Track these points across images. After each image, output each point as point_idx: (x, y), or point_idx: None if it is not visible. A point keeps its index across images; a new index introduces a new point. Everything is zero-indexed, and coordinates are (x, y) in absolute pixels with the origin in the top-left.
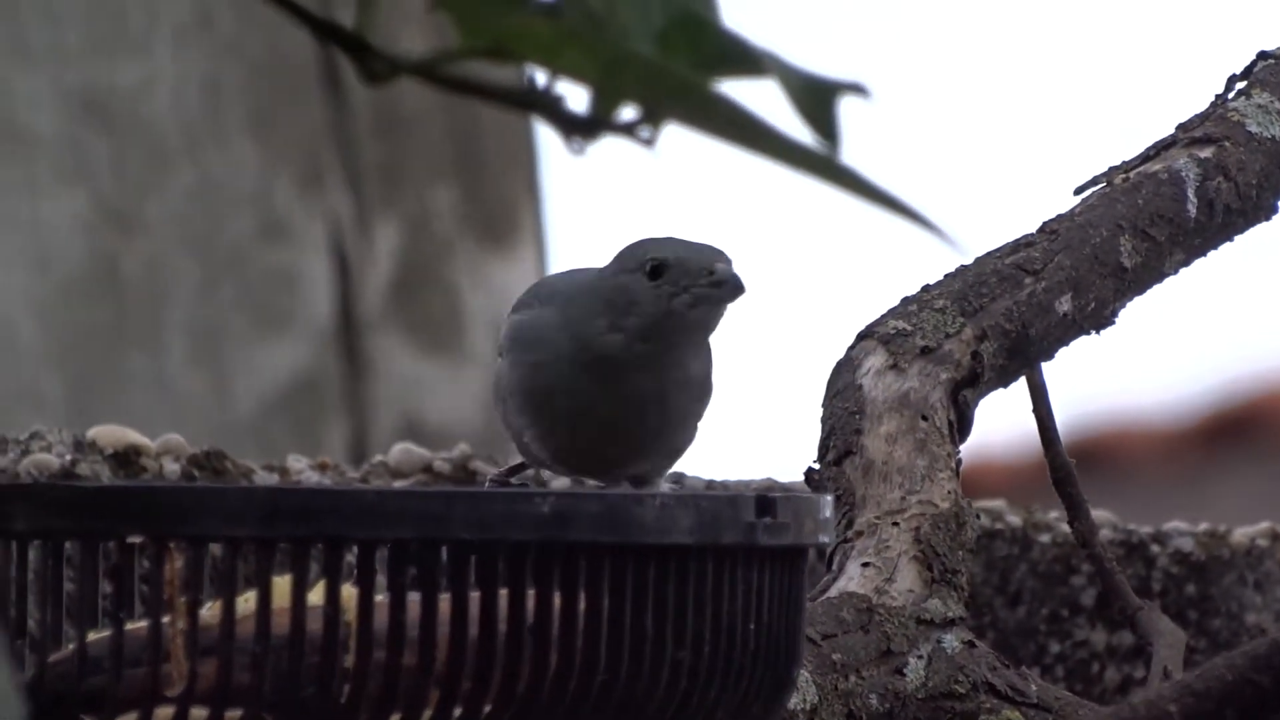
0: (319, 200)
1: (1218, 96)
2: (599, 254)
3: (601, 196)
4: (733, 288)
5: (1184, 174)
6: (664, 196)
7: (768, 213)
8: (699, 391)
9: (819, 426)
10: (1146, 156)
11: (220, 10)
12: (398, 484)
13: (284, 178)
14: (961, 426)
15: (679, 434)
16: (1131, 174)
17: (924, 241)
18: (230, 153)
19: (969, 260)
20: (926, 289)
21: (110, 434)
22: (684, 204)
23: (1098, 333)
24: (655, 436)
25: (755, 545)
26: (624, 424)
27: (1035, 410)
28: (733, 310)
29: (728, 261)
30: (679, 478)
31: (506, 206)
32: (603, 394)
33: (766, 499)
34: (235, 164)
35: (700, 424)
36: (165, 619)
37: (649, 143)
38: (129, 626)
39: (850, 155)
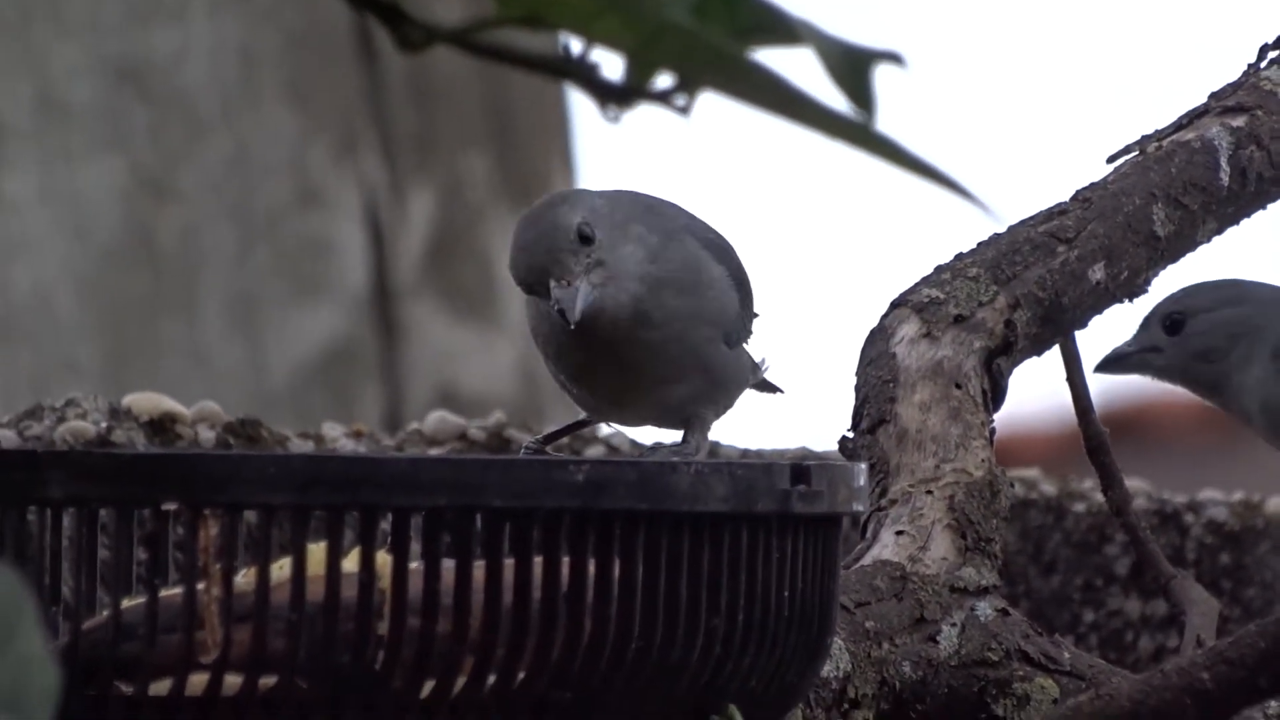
0: (353, 168)
1: (1250, 65)
2: None
3: (635, 164)
4: (561, 315)
5: (1217, 142)
6: (698, 165)
7: (803, 181)
8: (708, 317)
9: (853, 395)
10: (1179, 125)
11: None
12: (433, 452)
13: (319, 145)
14: (995, 395)
15: (699, 361)
16: (1164, 142)
17: (958, 209)
18: (265, 121)
19: (1002, 228)
20: (960, 257)
21: (146, 401)
22: (718, 172)
23: (1130, 301)
24: (660, 379)
25: (789, 513)
26: (619, 377)
27: (1069, 379)
28: (753, 270)
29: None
30: (714, 447)
31: (540, 174)
32: (586, 356)
33: (801, 467)
34: (271, 132)
35: (742, 332)
36: (200, 586)
37: (684, 111)
38: (163, 593)
39: (885, 123)
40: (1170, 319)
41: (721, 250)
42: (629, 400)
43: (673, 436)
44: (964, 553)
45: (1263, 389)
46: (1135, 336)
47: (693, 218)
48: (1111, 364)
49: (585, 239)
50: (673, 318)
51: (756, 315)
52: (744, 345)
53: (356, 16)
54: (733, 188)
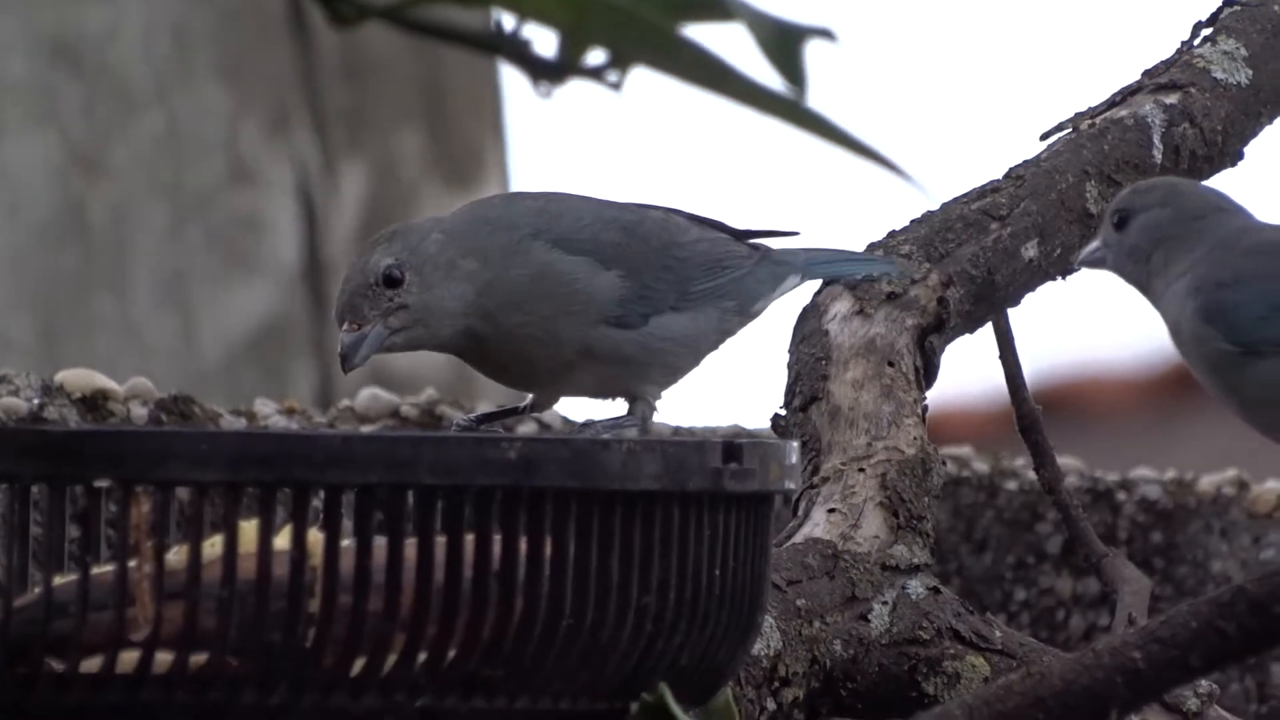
0: (286, 145)
1: (1184, 43)
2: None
3: (568, 141)
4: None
5: (1150, 120)
6: (631, 141)
7: (734, 156)
8: (573, 309)
9: (785, 372)
10: (1112, 102)
11: None
12: (365, 429)
13: (251, 122)
14: (928, 372)
15: (585, 350)
16: (1097, 120)
17: (891, 186)
18: (198, 98)
19: (935, 205)
20: (892, 234)
21: (78, 378)
22: (651, 148)
23: (1064, 278)
24: (554, 374)
25: (721, 491)
26: (525, 376)
27: (1001, 357)
28: None
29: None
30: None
31: (472, 151)
32: (485, 365)
33: (733, 445)
34: (203, 109)
35: (644, 303)
36: (132, 563)
37: (616, 86)
38: (95, 571)
39: (817, 99)
40: (1118, 215)
41: (581, 241)
42: (549, 390)
43: (617, 411)
44: (896, 531)
45: (1174, 311)
46: (1099, 233)
47: (555, 216)
48: (1081, 263)
49: (391, 282)
50: (522, 327)
51: (692, 272)
52: (682, 308)
53: None
54: (665, 163)
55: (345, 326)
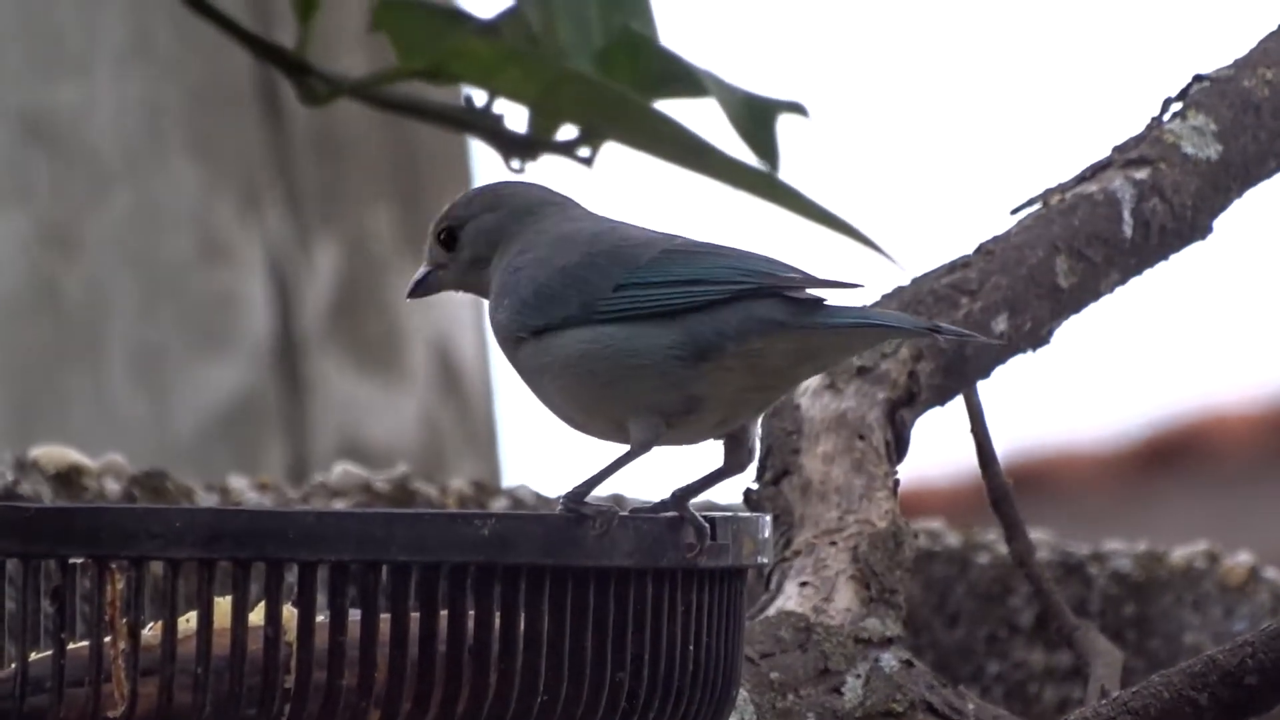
0: (258, 221)
1: (1153, 118)
2: None
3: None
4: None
5: (1120, 195)
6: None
7: (708, 231)
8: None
9: (757, 446)
10: (1083, 178)
11: (159, 32)
12: (337, 504)
13: (223, 199)
14: (899, 446)
15: (578, 403)
16: (1068, 195)
17: (863, 260)
18: (170, 174)
19: (907, 280)
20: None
21: (52, 454)
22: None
23: (1034, 351)
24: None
25: (695, 567)
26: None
27: (973, 430)
28: None
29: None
30: (617, 498)
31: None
32: None
33: (706, 520)
34: (175, 185)
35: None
36: (107, 639)
37: (588, 162)
38: (70, 647)
39: (789, 173)
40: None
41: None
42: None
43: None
44: (868, 604)
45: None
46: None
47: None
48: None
49: (446, 238)
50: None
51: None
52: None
53: (261, 70)
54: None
55: (423, 268)
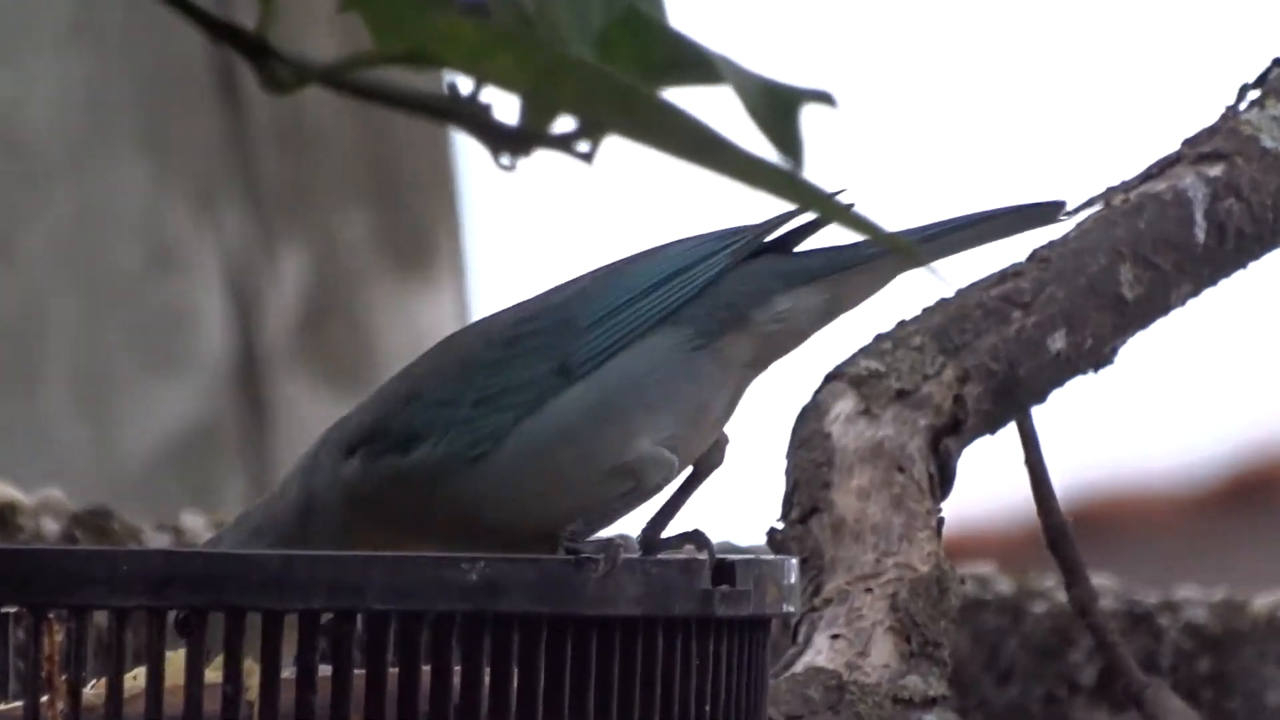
0: (215, 225)
1: (1228, 108)
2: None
3: (533, 219)
4: None
5: (1191, 194)
6: (604, 219)
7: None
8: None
9: (783, 480)
10: (1149, 175)
11: (105, 12)
12: None
13: (176, 199)
14: (943, 480)
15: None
16: (1132, 194)
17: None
18: (116, 172)
19: (950, 291)
20: (902, 324)
21: None
22: (627, 227)
23: (1095, 371)
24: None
25: (711, 616)
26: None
27: (1027, 461)
28: None
29: None
30: (623, 536)
31: (425, 231)
32: None
33: (723, 564)
34: (121, 185)
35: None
36: (43, 699)
37: (588, 157)
38: (2, 708)
39: (814, 170)
40: None
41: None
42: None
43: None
44: (908, 659)
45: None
46: None
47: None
48: None
49: None
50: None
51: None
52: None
53: (218, 53)
54: (644, 243)
55: None
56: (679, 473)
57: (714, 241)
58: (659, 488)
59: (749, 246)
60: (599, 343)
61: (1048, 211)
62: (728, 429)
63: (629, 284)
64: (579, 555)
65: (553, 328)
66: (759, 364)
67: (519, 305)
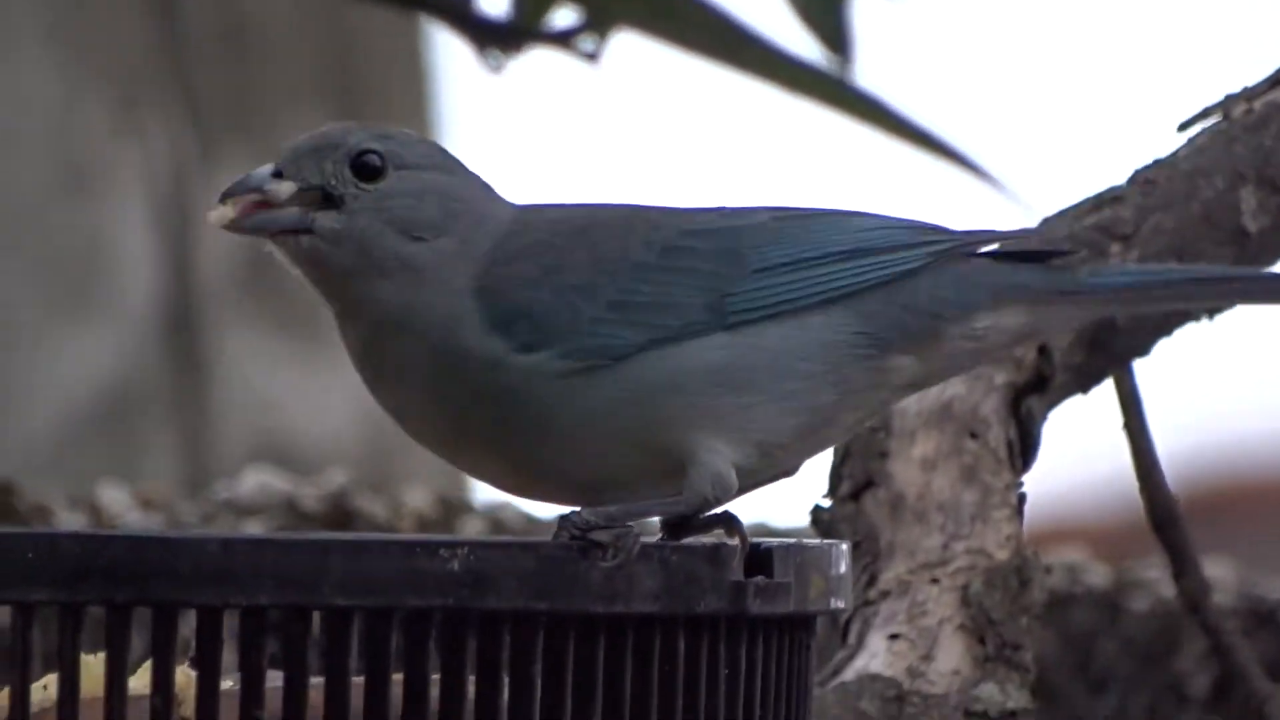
0: (139, 138)
1: None
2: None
3: (525, 130)
4: None
5: None
6: (611, 130)
7: (755, 152)
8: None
9: (830, 449)
10: (1276, 81)
11: None
12: (250, 527)
13: (93, 107)
14: (1025, 448)
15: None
16: (1256, 104)
17: (966, 190)
18: (21, 75)
19: (1033, 219)
20: None
21: None
22: (639, 140)
23: (1210, 320)
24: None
25: (743, 614)
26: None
27: (1126, 427)
28: None
29: None
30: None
31: None
32: None
33: (758, 550)
34: (28, 89)
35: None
36: None
37: (593, 57)
38: None
39: (868, 74)
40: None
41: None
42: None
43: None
44: (983, 664)
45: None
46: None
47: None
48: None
49: (364, 169)
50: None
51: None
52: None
53: None
54: (658, 160)
55: (272, 171)
56: (739, 495)
57: (909, 231)
58: (704, 509)
59: (951, 251)
60: (763, 295)
61: None
62: None
63: (813, 241)
64: (585, 540)
65: (718, 254)
66: (911, 389)
67: (687, 212)
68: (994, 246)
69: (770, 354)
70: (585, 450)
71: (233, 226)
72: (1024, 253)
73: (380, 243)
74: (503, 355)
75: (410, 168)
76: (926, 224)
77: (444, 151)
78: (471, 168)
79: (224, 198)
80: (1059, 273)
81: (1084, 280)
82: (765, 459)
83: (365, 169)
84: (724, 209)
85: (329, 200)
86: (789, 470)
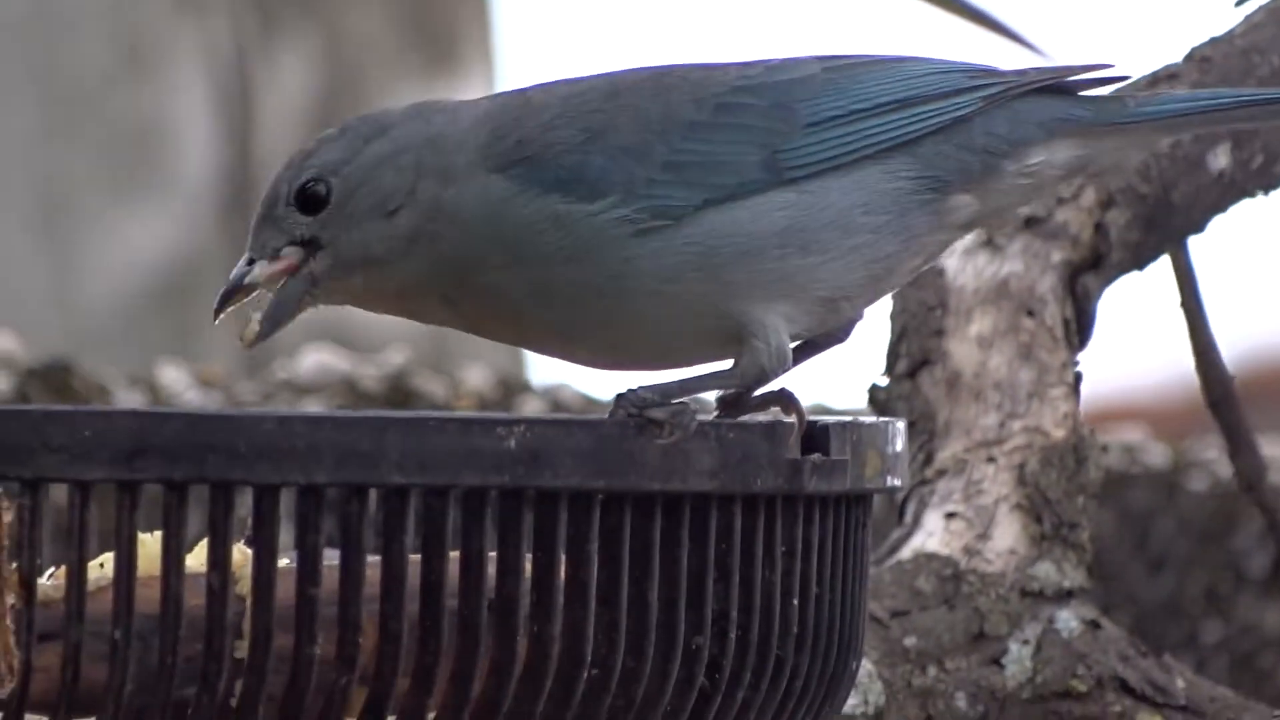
0: (199, 17)
1: None
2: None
3: (575, 13)
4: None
5: None
6: (660, 9)
7: (806, 26)
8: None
9: (886, 326)
10: None
11: None
12: (309, 406)
13: None
14: (1081, 326)
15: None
16: None
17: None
18: None
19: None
20: None
21: None
22: (686, 20)
23: (1265, 195)
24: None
25: (800, 492)
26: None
27: (1183, 304)
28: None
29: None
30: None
31: (451, 20)
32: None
33: (815, 428)
34: None
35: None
36: None
37: None
38: None
39: None
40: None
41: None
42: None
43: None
44: (1039, 543)
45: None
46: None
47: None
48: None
49: (309, 202)
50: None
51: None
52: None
53: None
54: (705, 40)
55: (245, 262)
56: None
57: (962, 75)
58: (761, 381)
59: (1005, 95)
60: (818, 149)
61: None
62: None
63: (864, 92)
64: (642, 418)
65: (770, 109)
66: (969, 227)
67: (735, 66)
68: (1043, 83)
69: (834, 210)
70: (653, 315)
71: (263, 338)
72: (1074, 88)
73: (372, 241)
74: (564, 209)
75: (346, 164)
76: (977, 66)
77: (363, 120)
78: (398, 99)
79: (219, 310)
80: (1109, 103)
81: (1133, 109)
82: (831, 313)
83: (312, 201)
84: (768, 61)
85: (309, 245)
86: (846, 326)
